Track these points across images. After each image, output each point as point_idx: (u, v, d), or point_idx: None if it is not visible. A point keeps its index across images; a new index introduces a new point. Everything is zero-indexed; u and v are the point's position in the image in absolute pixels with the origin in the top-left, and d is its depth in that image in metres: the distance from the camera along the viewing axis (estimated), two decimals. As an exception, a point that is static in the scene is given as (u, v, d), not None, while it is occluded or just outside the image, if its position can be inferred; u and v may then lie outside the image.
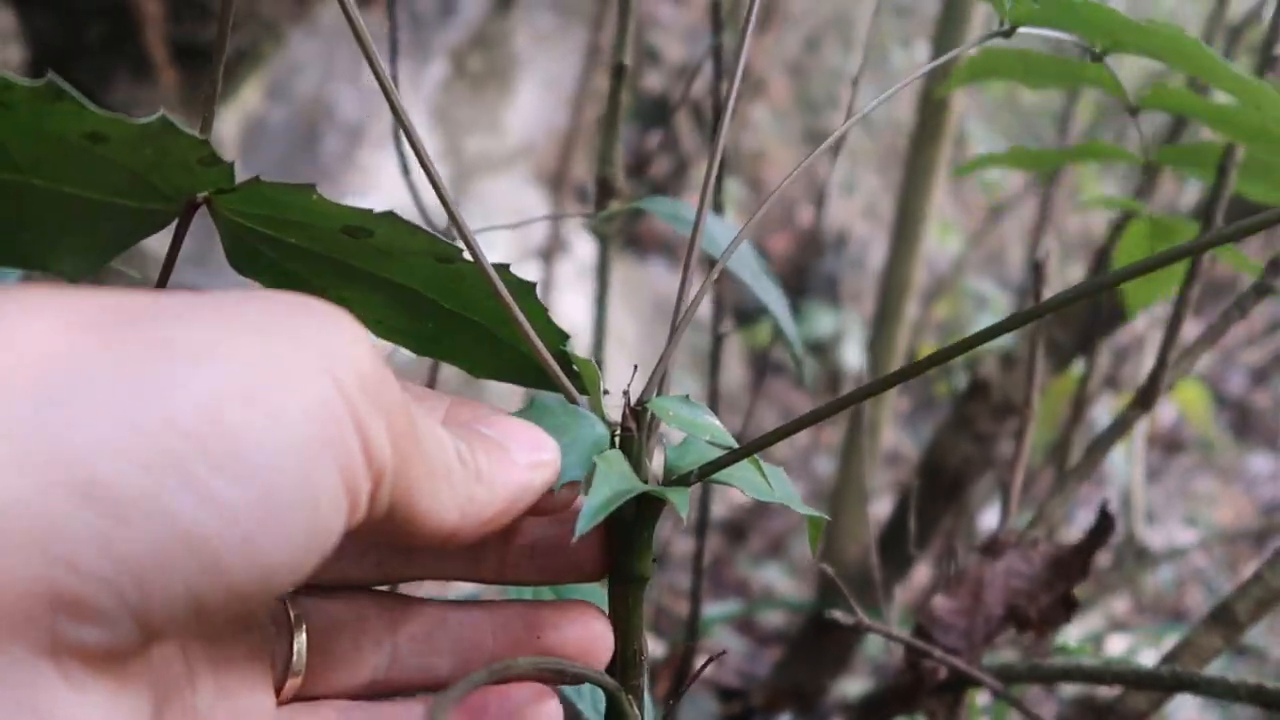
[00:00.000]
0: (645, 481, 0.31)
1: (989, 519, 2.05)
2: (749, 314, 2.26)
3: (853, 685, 1.23)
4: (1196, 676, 0.53)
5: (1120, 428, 0.64)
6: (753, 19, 0.40)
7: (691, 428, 0.31)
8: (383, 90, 0.27)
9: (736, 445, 0.31)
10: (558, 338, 0.33)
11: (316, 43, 2.25)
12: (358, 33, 0.27)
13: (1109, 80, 0.46)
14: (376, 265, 0.30)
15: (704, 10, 3.27)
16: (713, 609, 1.15)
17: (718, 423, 0.31)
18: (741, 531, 1.96)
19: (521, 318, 0.30)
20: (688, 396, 0.32)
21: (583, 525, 0.27)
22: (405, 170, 0.72)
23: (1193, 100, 0.48)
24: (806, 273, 2.65)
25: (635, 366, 0.31)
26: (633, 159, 2.75)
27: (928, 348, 2.33)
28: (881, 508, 1.79)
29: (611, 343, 0.81)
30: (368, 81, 2.38)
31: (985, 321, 2.22)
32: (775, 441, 0.33)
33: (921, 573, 1.61)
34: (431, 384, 0.69)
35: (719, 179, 0.77)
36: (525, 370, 0.34)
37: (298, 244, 0.29)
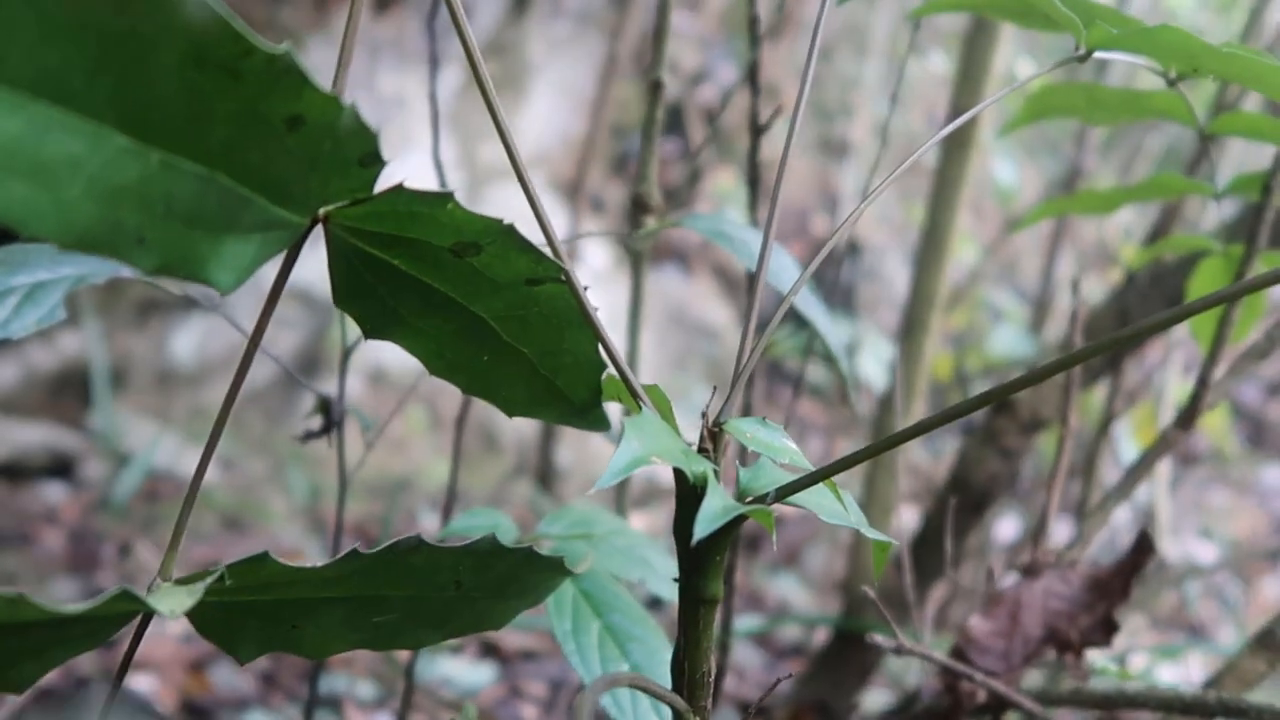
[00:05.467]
0: (719, 505, 0.31)
1: (1002, 531, 2.05)
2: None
3: (873, 699, 1.22)
4: (1244, 703, 0.52)
5: (1161, 448, 0.63)
6: (814, 59, 0.40)
7: (770, 450, 0.30)
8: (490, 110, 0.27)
9: (812, 468, 0.31)
10: (600, 363, 0.34)
11: (333, 50, 2.26)
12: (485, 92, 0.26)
13: (1181, 108, 0.46)
14: (462, 290, 0.30)
15: (718, 19, 3.27)
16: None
17: (794, 446, 0.31)
18: (754, 542, 1.95)
19: (606, 336, 0.30)
20: (764, 419, 0.31)
21: (606, 480, 0.27)
22: (441, 178, 0.72)
23: (1264, 123, 0.48)
24: (821, 282, 2.65)
25: (714, 388, 0.31)
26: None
27: (943, 358, 2.32)
28: (898, 520, 1.78)
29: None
30: (382, 89, 2.38)
31: (1002, 333, 2.21)
32: (848, 467, 0.33)
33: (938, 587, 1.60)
34: (463, 417, 0.69)
35: (754, 195, 0.76)
36: (556, 404, 0.36)
37: (399, 267, 0.28)
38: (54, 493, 1.67)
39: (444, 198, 0.26)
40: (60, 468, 1.73)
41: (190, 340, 2.05)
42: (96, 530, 1.54)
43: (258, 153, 0.25)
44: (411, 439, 2.11)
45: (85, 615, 0.25)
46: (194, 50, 0.22)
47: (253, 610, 0.31)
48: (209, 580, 0.28)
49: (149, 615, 0.30)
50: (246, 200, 0.25)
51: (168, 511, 1.64)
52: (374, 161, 0.26)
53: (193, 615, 0.29)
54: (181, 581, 0.29)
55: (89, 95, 0.22)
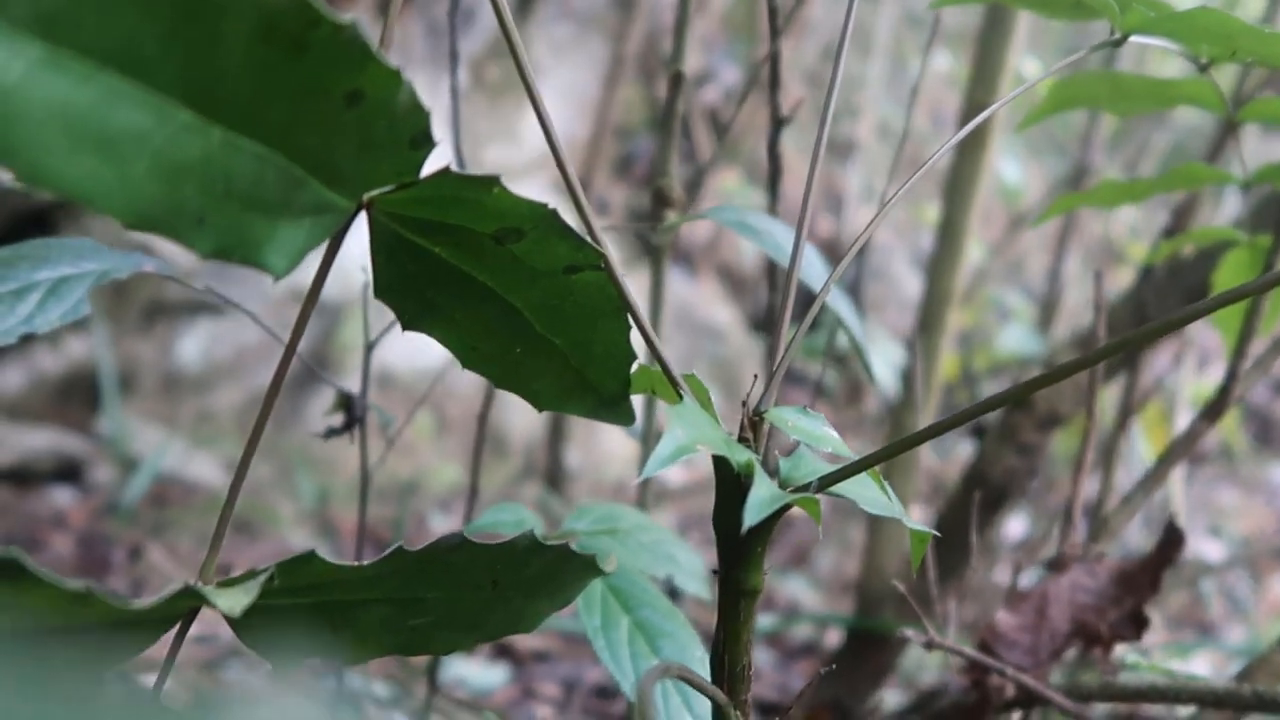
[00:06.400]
0: (761, 495, 0.31)
1: (1009, 529, 2.04)
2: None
3: (885, 698, 1.22)
4: (1279, 696, 0.52)
5: (1189, 441, 0.63)
6: (842, 59, 0.39)
7: (812, 439, 0.30)
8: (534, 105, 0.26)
9: (855, 457, 0.30)
10: (630, 355, 0.35)
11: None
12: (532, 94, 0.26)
13: (1210, 95, 0.46)
14: (500, 279, 0.30)
15: (720, 19, 3.26)
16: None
17: (836, 435, 0.31)
18: (765, 542, 1.94)
19: (646, 324, 0.29)
20: (805, 408, 0.31)
21: (651, 469, 0.26)
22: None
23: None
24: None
25: (755, 376, 0.31)
26: (650, 169, 2.75)
27: (950, 357, 2.32)
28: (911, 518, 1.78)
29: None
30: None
31: (1010, 331, 2.20)
32: (889, 458, 0.32)
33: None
34: (487, 409, 0.69)
35: (774, 189, 0.76)
36: (585, 397, 0.36)
37: (440, 255, 0.28)
38: (62, 497, 1.67)
39: (490, 181, 0.26)
40: (68, 472, 1.73)
41: (197, 344, 2.04)
42: (105, 535, 1.53)
43: (315, 131, 0.24)
44: (419, 442, 2.10)
45: (149, 613, 0.24)
46: (264, 20, 0.22)
47: (294, 614, 0.31)
48: (261, 578, 0.27)
49: (190, 620, 0.30)
50: (301, 181, 0.25)
51: (176, 516, 1.64)
52: (424, 142, 0.25)
53: (235, 620, 0.29)
54: (226, 584, 0.29)
55: (158, 66, 0.22)
